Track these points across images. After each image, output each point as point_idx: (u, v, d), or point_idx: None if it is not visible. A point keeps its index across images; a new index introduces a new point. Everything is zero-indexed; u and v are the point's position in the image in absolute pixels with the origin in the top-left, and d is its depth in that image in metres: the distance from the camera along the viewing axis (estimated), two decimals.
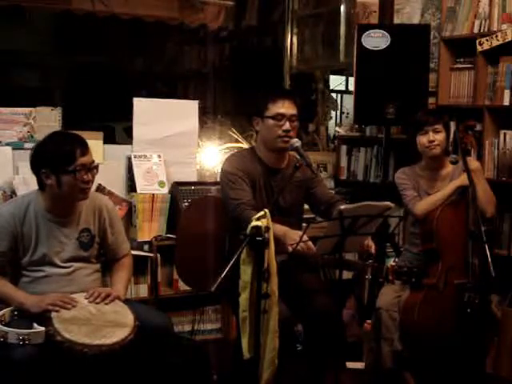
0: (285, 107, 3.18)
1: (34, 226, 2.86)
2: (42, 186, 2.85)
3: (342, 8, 6.10)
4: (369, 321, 3.73)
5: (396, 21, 4.90)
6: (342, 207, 2.84)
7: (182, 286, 3.87)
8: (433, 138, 3.51)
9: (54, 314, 2.70)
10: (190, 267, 3.29)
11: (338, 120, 7.12)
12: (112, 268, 3.13)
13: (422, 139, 3.54)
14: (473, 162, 3.48)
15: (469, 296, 3.12)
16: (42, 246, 2.87)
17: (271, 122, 3.17)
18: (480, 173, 3.53)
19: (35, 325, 2.66)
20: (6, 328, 2.62)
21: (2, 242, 2.85)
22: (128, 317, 2.80)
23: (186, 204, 3.85)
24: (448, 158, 3.58)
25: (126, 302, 2.97)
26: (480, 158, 4.05)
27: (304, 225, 3.11)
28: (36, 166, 2.83)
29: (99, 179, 3.67)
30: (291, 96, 3.26)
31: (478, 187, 3.26)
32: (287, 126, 3.16)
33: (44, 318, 2.70)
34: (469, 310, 3.08)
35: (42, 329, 2.63)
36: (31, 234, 2.86)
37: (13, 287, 2.85)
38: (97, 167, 2.89)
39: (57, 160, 2.78)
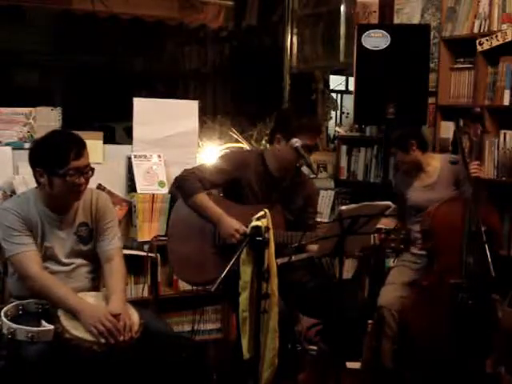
0: (310, 140, 3.21)
1: (39, 222, 2.85)
2: (38, 182, 2.86)
3: (342, 8, 6.10)
4: (370, 321, 3.73)
5: (396, 21, 4.90)
6: (342, 208, 2.84)
7: (182, 286, 3.88)
8: (397, 158, 3.78)
9: (60, 312, 2.69)
10: (182, 263, 3.32)
11: (338, 120, 7.12)
12: (105, 271, 2.97)
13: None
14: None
15: (462, 297, 3.13)
16: (47, 240, 2.87)
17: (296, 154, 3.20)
18: None
19: (44, 322, 2.64)
20: (14, 325, 2.59)
21: (26, 235, 2.81)
22: (133, 315, 2.80)
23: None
24: (427, 154, 3.70)
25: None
26: (480, 157, 4.04)
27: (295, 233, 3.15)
28: (31, 163, 2.84)
29: (99, 179, 3.68)
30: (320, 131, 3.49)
31: None
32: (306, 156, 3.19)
33: (51, 315, 2.69)
34: (462, 311, 3.09)
35: (51, 327, 2.61)
36: (37, 229, 2.85)
37: (70, 290, 2.77)
38: (92, 170, 2.85)
39: (49, 162, 2.76)
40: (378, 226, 3.12)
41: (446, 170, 3.64)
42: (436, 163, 3.69)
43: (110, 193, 3.75)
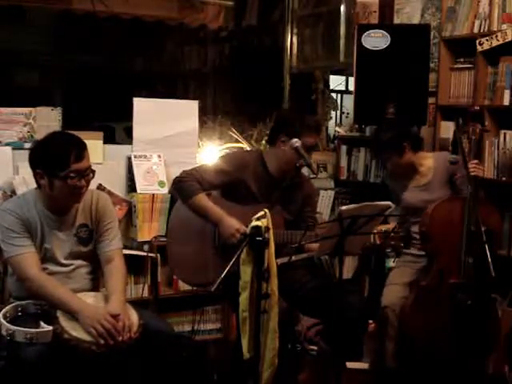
0: (311, 139, 3.24)
1: (39, 224, 2.84)
2: (38, 184, 2.85)
3: (342, 8, 6.10)
4: (371, 321, 3.73)
5: (396, 21, 4.90)
6: (342, 208, 2.85)
7: (182, 286, 3.88)
8: (392, 162, 3.63)
9: (59, 313, 2.69)
10: (182, 264, 3.32)
11: (338, 120, 7.13)
12: (105, 272, 2.97)
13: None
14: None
15: (461, 297, 3.12)
16: (46, 242, 2.87)
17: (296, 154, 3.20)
18: None
19: (42, 323, 2.64)
20: (13, 327, 2.59)
21: (25, 236, 2.81)
22: (132, 316, 2.80)
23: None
24: (419, 154, 3.62)
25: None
26: (479, 157, 4.04)
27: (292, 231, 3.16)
28: (32, 165, 2.83)
29: (99, 179, 3.68)
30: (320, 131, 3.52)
31: None
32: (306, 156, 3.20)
33: (50, 316, 2.68)
34: (461, 311, 3.09)
35: (50, 328, 2.61)
36: (37, 231, 2.85)
37: (68, 292, 2.78)
38: (93, 172, 2.84)
39: (49, 164, 2.75)
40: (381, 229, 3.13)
41: (440, 168, 3.61)
42: (429, 162, 3.65)
43: (109, 193, 3.75)
